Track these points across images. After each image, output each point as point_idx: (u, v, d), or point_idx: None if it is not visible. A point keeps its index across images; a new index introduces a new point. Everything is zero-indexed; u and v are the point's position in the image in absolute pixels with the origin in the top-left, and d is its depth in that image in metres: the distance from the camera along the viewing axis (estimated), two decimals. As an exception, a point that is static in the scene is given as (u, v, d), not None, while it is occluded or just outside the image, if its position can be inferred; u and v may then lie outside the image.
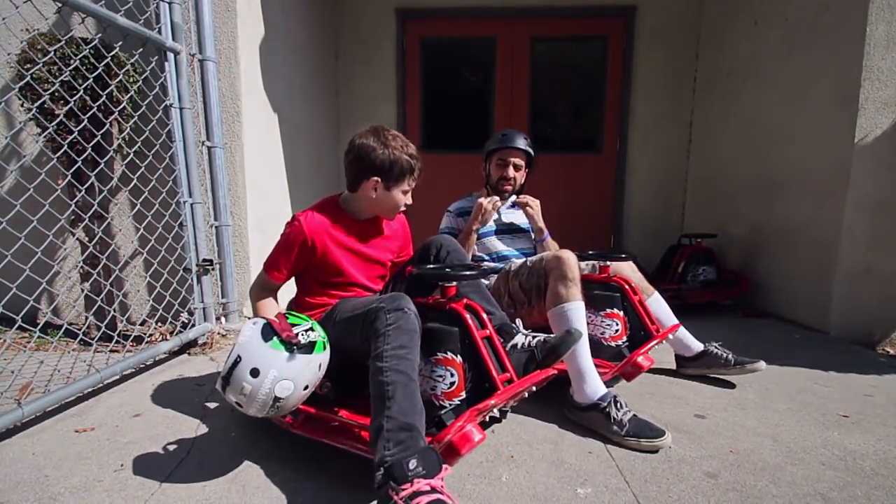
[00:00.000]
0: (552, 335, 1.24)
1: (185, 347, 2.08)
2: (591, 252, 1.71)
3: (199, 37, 2.21)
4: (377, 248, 1.45)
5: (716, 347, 1.75)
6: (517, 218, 2.03)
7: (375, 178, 1.33)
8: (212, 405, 1.56)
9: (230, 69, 2.42)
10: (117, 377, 1.69)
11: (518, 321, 1.31)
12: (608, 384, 1.42)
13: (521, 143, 1.91)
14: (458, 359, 1.07)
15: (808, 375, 1.85)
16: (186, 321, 2.16)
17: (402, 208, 1.43)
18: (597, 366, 1.45)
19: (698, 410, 1.53)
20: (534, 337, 1.23)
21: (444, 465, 0.91)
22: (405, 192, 1.40)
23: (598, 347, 1.55)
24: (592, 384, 1.38)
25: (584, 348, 1.41)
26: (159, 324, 2.37)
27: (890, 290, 2.35)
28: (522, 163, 1.95)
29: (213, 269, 2.18)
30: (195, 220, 2.12)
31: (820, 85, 2.52)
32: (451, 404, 1.05)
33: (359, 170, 1.33)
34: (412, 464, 0.87)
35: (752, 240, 3.04)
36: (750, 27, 3.10)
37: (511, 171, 1.93)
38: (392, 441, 0.93)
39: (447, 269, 1.20)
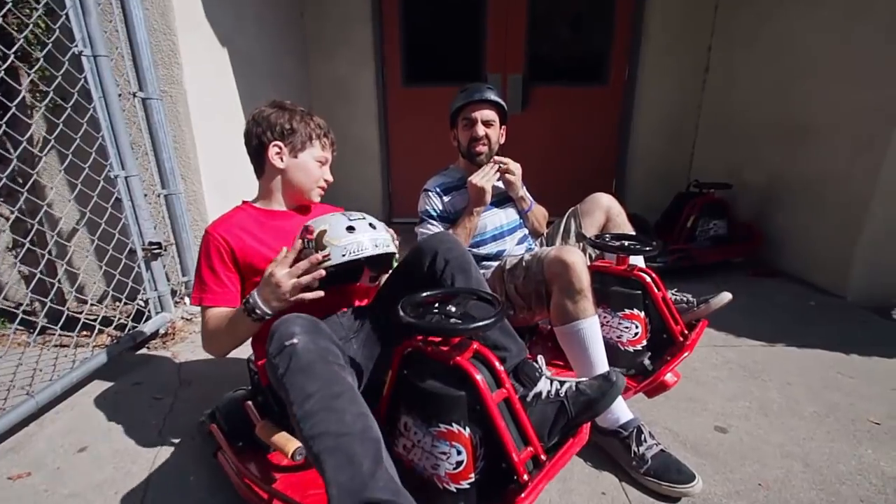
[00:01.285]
0: (585, 381, 0.98)
1: (143, 343, 1.85)
2: (609, 240, 1.44)
3: (109, -47, 1.71)
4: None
5: (673, 294, 1.54)
6: (501, 185, 1.71)
7: (276, 142, 1.18)
8: (168, 430, 1.36)
9: (158, -5, 1.93)
10: (59, 394, 1.47)
11: (540, 358, 1.05)
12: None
13: (488, 94, 1.56)
14: (467, 431, 0.85)
15: (830, 361, 1.70)
16: (142, 309, 1.91)
17: (322, 184, 1.24)
18: (610, 383, 1.25)
19: (718, 419, 1.37)
20: (562, 383, 0.99)
21: None
22: (320, 162, 1.23)
23: (614, 353, 1.34)
24: (615, 407, 1.19)
25: (600, 358, 1.23)
26: (118, 304, 2.12)
27: (914, 251, 2.17)
28: (495, 116, 1.60)
29: (163, 253, 1.88)
30: (133, 196, 1.78)
31: (874, 8, 2.11)
32: (458, 488, 0.85)
33: (257, 142, 1.19)
34: None
35: (769, 189, 2.77)
36: (793, -71, 2.56)
37: (481, 129, 1.59)
38: None
39: (450, 311, 0.91)
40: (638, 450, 1.13)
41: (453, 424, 0.86)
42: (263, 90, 2.79)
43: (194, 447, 1.28)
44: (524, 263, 1.39)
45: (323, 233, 1.00)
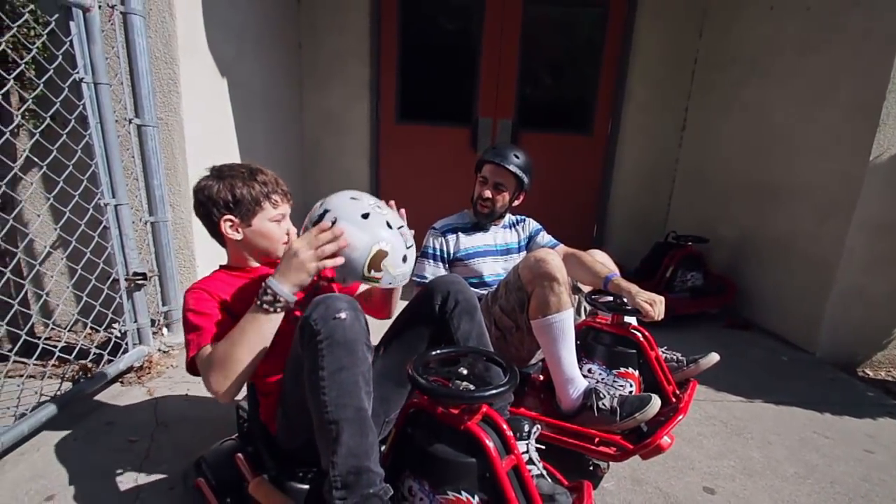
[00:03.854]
0: (548, 483, 1.02)
1: (117, 376, 1.75)
2: (604, 299, 1.49)
3: (120, -18, 1.71)
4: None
5: (664, 351, 1.62)
6: (510, 237, 1.77)
7: (227, 216, 1.11)
8: (144, 478, 1.28)
9: (163, 24, 1.93)
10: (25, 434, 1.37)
11: (537, 428, 1.09)
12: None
13: (511, 161, 1.61)
14: (476, 500, 0.84)
15: (804, 419, 1.77)
16: (118, 341, 1.82)
17: (286, 238, 1.17)
18: (606, 441, 1.27)
19: (706, 479, 1.40)
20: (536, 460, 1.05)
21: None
22: (277, 221, 1.15)
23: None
24: (576, 385, 1.35)
25: (570, 356, 1.35)
26: (89, 332, 2.02)
27: (876, 312, 2.31)
28: (507, 184, 1.65)
29: (146, 283, 1.81)
30: (121, 226, 1.72)
31: (838, 89, 2.31)
32: None
33: (208, 221, 1.13)
34: None
35: (742, 245, 2.92)
36: (765, 11, 2.80)
37: (487, 192, 1.66)
38: (340, 483, 0.84)
39: (461, 373, 0.91)
40: (605, 404, 1.29)
41: (462, 493, 0.85)
42: (258, 118, 2.80)
43: (174, 499, 1.20)
44: (504, 281, 1.47)
45: (383, 255, 0.98)
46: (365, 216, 0.98)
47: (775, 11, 2.74)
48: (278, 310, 0.97)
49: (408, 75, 3.51)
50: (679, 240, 2.91)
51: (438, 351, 0.98)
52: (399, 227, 1.03)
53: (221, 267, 1.22)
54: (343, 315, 0.88)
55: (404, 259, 1.01)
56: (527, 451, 1.05)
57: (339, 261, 0.96)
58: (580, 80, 3.60)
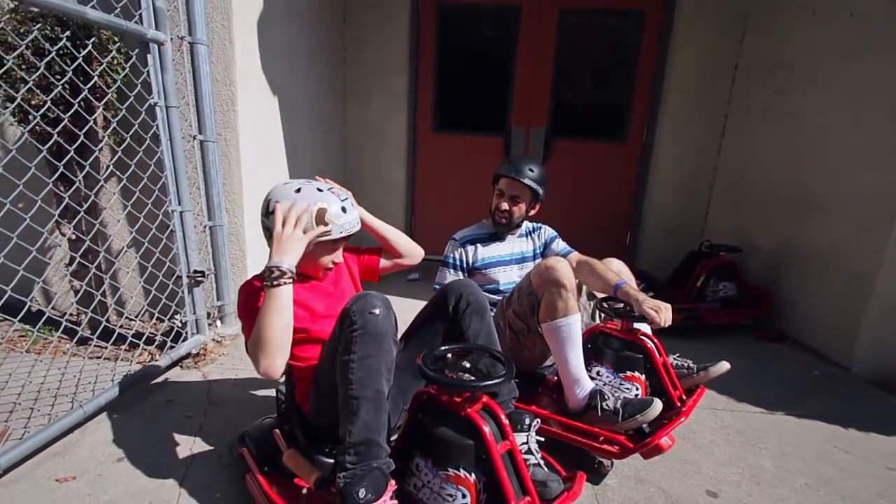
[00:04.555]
0: (543, 471, 1.14)
1: (177, 361, 2.00)
2: (611, 304, 1.56)
3: (189, 16, 1.96)
4: (326, 296, 1.32)
5: (675, 359, 1.68)
6: (525, 246, 1.87)
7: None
8: (198, 447, 1.49)
9: (224, 51, 2.18)
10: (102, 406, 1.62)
11: (537, 421, 1.22)
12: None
13: (526, 174, 1.72)
14: (472, 477, 0.96)
15: (827, 433, 1.75)
16: (179, 330, 2.07)
17: (332, 267, 1.31)
18: (610, 440, 1.35)
19: (710, 483, 1.44)
20: (535, 450, 1.17)
21: (391, 482, 1.00)
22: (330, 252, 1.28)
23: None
24: (582, 386, 1.44)
25: (577, 358, 1.44)
26: (155, 321, 2.30)
27: (920, 329, 2.21)
28: (523, 196, 1.76)
29: (204, 280, 2.06)
30: (185, 229, 1.97)
31: (882, 95, 2.24)
32: None
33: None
34: (361, 493, 0.95)
35: (778, 255, 2.85)
36: (807, 16, 2.74)
37: (504, 205, 1.78)
38: (353, 450, 1.01)
39: (465, 367, 1.05)
40: (608, 405, 1.37)
41: (461, 470, 0.97)
42: (306, 132, 3.03)
43: (222, 466, 1.40)
44: (517, 287, 1.58)
45: (324, 211, 1.18)
46: (297, 190, 1.19)
47: (818, 17, 2.68)
48: (285, 282, 1.11)
49: (444, 87, 3.67)
50: (712, 249, 2.88)
51: (445, 347, 1.11)
52: (329, 189, 1.24)
53: None
54: (377, 311, 1.04)
55: (343, 210, 1.22)
56: (526, 442, 1.16)
57: (322, 229, 1.17)
58: (615, 88, 3.62)
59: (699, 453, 1.58)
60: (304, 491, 1.15)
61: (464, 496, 0.95)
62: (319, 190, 1.21)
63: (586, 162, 3.67)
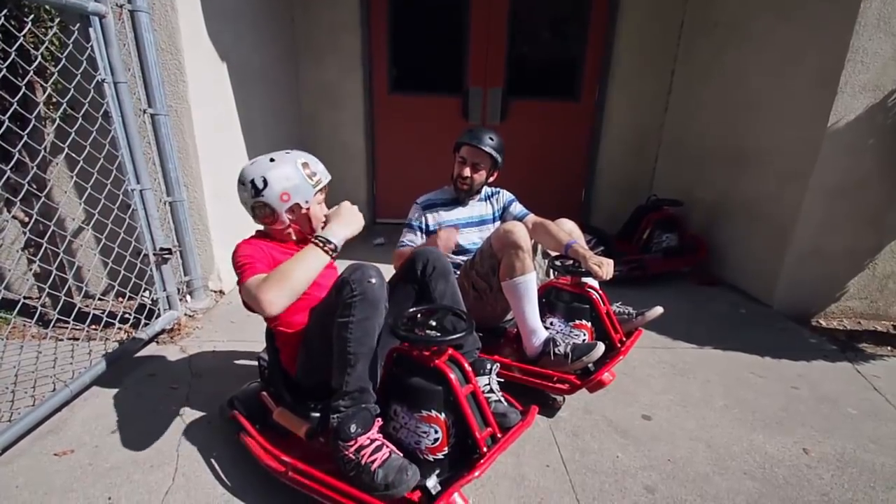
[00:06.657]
0: (504, 405, 1.34)
1: (152, 338, 2.05)
2: (562, 262, 1.73)
3: (126, -18, 1.87)
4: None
5: (617, 307, 1.88)
6: (485, 209, 1.99)
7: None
8: (188, 415, 1.59)
9: (166, 18, 2.10)
10: (87, 384, 1.68)
11: (496, 366, 1.39)
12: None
13: (486, 143, 1.82)
14: (442, 416, 1.12)
15: (746, 363, 2.04)
16: (151, 307, 2.11)
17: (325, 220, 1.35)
18: (562, 380, 1.55)
19: (645, 409, 1.69)
20: (496, 389, 1.36)
21: (377, 420, 1.16)
22: (319, 203, 1.39)
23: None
24: (538, 335, 1.63)
25: (533, 311, 1.62)
26: (126, 300, 2.32)
27: (831, 268, 2.52)
28: (483, 164, 1.87)
29: (171, 256, 2.08)
30: (147, 208, 1.97)
31: (805, 58, 2.44)
32: (434, 458, 1.13)
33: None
34: (352, 427, 1.10)
35: (715, 207, 3.12)
36: (745, -25, 2.87)
37: (466, 171, 1.88)
38: (347, 397, 1.17)
39: (431, 325, 1.21)
40: (559, 350, 1.57)
41: (433, 411, 1.13)
42: (257, 97, 2.96)
43: (214, 430, 1.51)
44: (479, 249, 1.74)
45: (306, 164, 1.33)
46: (272, 160, 1.30)
47: (756, -24, 2.81)
48: (332, 254, 1.19)
49: (398, 46, 3.63)
50: (657, 203, 3.11)
51: (413, 309, 1.25)
52: (286, 152, 1.36)
53: (260, 233, 1.42)
54: (374, 280, 1.17)
55: (314, 162, 1.37)
56: (488, 383, 1.34)
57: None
58: (568, 47, 3.69)
59: (637, 385, 1.83)
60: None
61: (436, 432, 1.12)
62: (288, 153, 1.35)
63: (542, 121, 3.77)
